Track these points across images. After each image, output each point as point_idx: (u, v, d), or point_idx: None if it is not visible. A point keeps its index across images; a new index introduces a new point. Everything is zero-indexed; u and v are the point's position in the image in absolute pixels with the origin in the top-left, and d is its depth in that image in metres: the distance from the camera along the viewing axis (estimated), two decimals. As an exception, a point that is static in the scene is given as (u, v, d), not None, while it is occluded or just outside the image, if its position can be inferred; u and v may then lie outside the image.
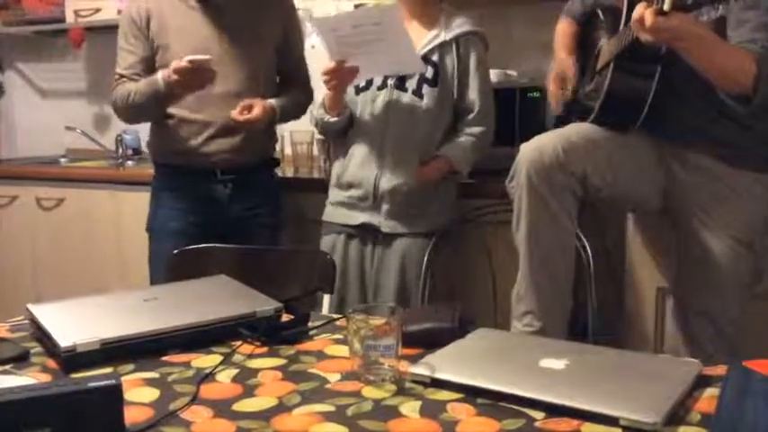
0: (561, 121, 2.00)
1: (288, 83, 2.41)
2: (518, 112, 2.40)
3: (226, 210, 2.31)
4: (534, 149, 1.69)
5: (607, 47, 1.86)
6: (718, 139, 1.73)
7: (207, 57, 2.04)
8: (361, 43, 2.01)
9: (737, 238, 1.70)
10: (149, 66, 2.23)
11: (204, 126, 2.25)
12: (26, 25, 3.66)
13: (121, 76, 2.25)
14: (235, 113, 2.20)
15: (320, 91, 2.24)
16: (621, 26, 1.76)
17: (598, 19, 1.99)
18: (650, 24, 1.46)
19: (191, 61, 2.01)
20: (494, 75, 2.37)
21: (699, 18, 1.69)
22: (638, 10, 1.49)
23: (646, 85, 1.73)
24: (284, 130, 2.58)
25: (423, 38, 2.17)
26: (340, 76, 2.06)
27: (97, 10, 3.31)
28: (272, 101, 2.30)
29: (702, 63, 1.58)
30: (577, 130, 1.78)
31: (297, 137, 2.76)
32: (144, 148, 3.57)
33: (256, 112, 2.21)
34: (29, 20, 3.62)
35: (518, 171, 1.71)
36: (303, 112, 2.41)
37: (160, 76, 2.11)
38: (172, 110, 2.25)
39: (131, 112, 2.26)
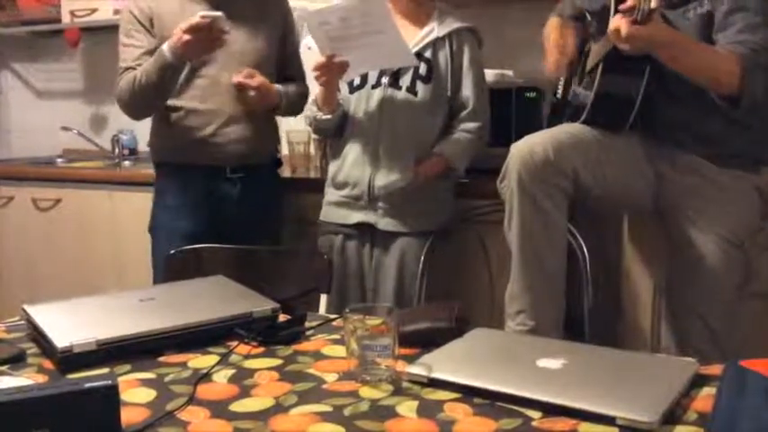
0: (553, 122, 2.00)
1: (286, 78, 2.41)
2: (514, 113, 2.40)
3: (232, 210, 2.29)
4: (524, 149, 1.69)
5: (596, 48, 1.86)
6: (709, 138, 1.73)
7: (219, 13, 2.00)
8: (350, 36, 2.01)
9: (728, 238, 1.71)
10: None
11: (213, 116, 2.23)
12: (22, 25, 3.66)
13: (127, 68, 2.21)
14: (238, 77, 2.19)
15: (313, 90, 2.24)
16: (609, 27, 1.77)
17: (586, 21, 1.99)
18: (626, 34, 1.48)
19: (203, 16, 1.96)
20: (490, 75, 2.37)
21: (686, 14, 1.70)
22: (614, 21, 1.50)
23: (635, 83, 1.73)
24: (281, 130, 2.58)
25: (416, 35, 2.17)
26: (330, 71, 2.06)
27: (93, 10, 3.31)
28: (278, 85, 2.30)
29: (686, 68, 1.60)
30: (568, 129, 1.79)
31: (293, 137, 2.75)
32: (140, 148, 3.57)
33: (260, 78, 2.21)
34: (25, 20, 3.62)
35: (509, 171, 1.71)
36: (304, 103, 2.39)
37: (166, 47, 2.06)
38: (179, 102, 2.23)
39: (137, 99, 2.18)
